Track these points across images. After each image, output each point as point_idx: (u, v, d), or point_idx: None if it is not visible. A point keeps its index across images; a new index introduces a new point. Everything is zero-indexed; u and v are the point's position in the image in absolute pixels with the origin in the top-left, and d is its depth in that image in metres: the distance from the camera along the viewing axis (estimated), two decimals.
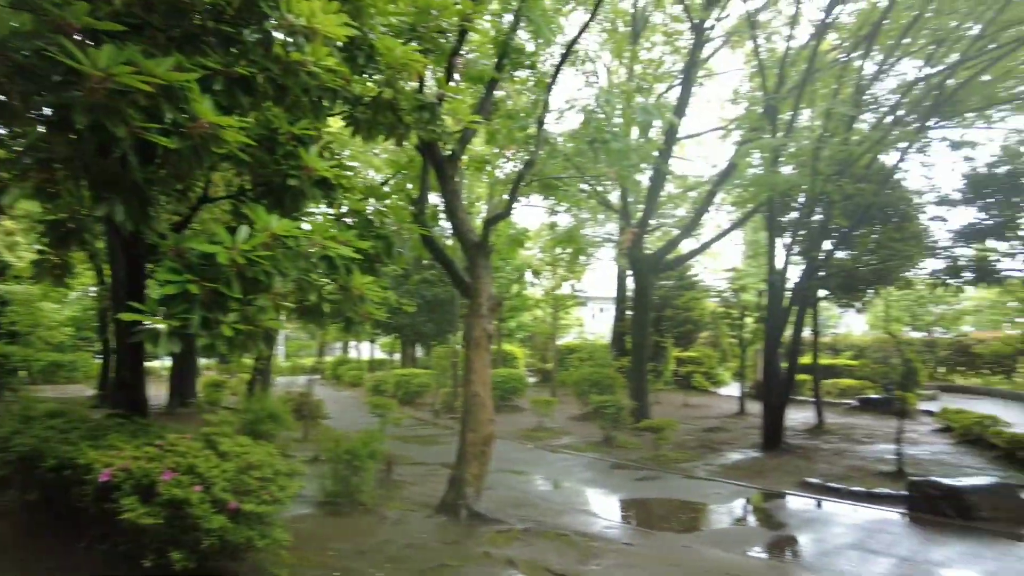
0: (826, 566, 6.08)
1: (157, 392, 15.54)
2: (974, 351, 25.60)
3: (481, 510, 6.92)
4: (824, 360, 22.09)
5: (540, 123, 6.87)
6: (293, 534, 4.91)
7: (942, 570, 6.02)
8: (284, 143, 4.95)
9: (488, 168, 8.83)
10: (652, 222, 18.27)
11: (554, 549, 5.96)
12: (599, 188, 15.79)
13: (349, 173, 6.30)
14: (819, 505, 8.65)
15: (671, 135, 14.46)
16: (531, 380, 26.37)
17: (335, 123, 6.81)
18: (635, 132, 7.33)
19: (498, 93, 8.07)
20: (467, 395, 7.14)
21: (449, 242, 16.36)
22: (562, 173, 7.21)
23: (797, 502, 8.85)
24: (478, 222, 7.78)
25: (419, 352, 30.46)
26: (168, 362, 17.89)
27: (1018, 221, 8.92)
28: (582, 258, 26.43)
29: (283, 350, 36.89)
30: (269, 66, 4.39)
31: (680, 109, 14.49)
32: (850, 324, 32.63)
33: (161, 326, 3.55)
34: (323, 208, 5.94)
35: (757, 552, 6.63)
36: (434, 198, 11.01)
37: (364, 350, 36.62)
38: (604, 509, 8.59)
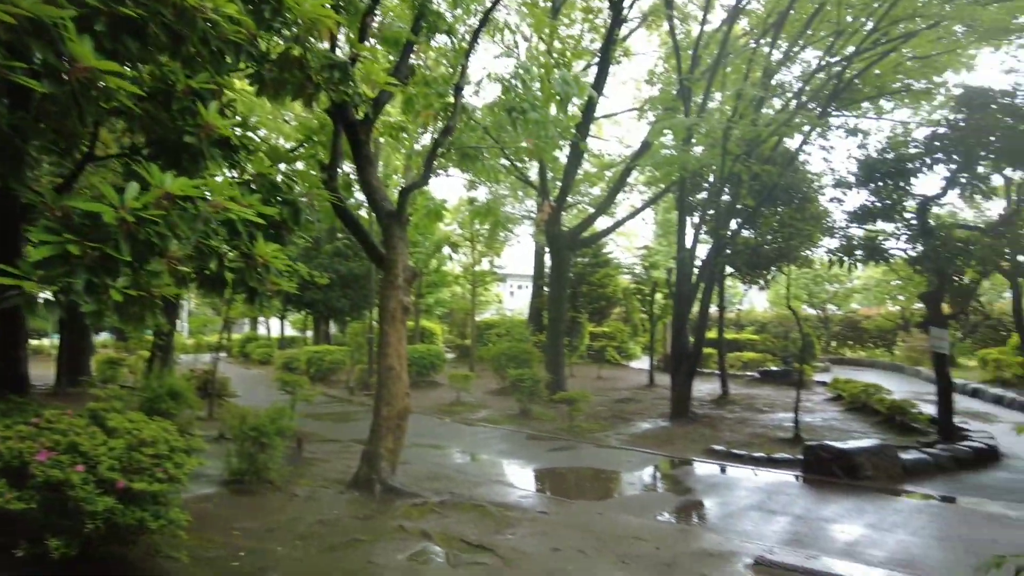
0: (730, 527, 6.38)
1: (45, 372, 14.36)
2: (862, 326, 27.64)
3: (396, 484, 6.81)
4: (728, 335, 23.20)
5: (458, 90, 6.70)
6: (195, 514, 4.64)
7: (832, 525, 6.44)
8: (181, 98, 4.56)
9: (404, 136, 8.57)
10: (569, 199, 18.48)
11: (470, 520, 5.94)
12: (518, 164, 15.76)
13: (253, 136, 5.94)
14: (723, 470, 9.08)
15: (589, 111, 14.57)
16: (449, 356, 26.30)
17: (240, 84, 6.38)
18: (554, 109, 7.31)
19: (415, 61, 7.83)
20: (382, 369, 6.96)
21: (364, 214, 15.93)
22: (481, 144, 7.07)
23: (703, 468, 9.26)
24: (395, 195, 7.53)
25: (333, 329, 29.69)
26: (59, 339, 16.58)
27: (904, 204, 9.58)
28: (501, 234, 26.46)
29: (186, 327, 35.02)
30: (161, 10, 4.00)
31: (598, 86, 14.60)
32: (752, 300, 34.41)
33: (41, 291, 3.19)
34: (226, 173, 5.57)
35: (666, 517, 6.88)
36: (348, 169, 10.68)
37: (274, 327, 35.31)
38: (520, 479, 8.68)
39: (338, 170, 7.53)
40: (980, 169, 9.28)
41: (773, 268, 14.28)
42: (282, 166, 5.85)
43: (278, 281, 4.82)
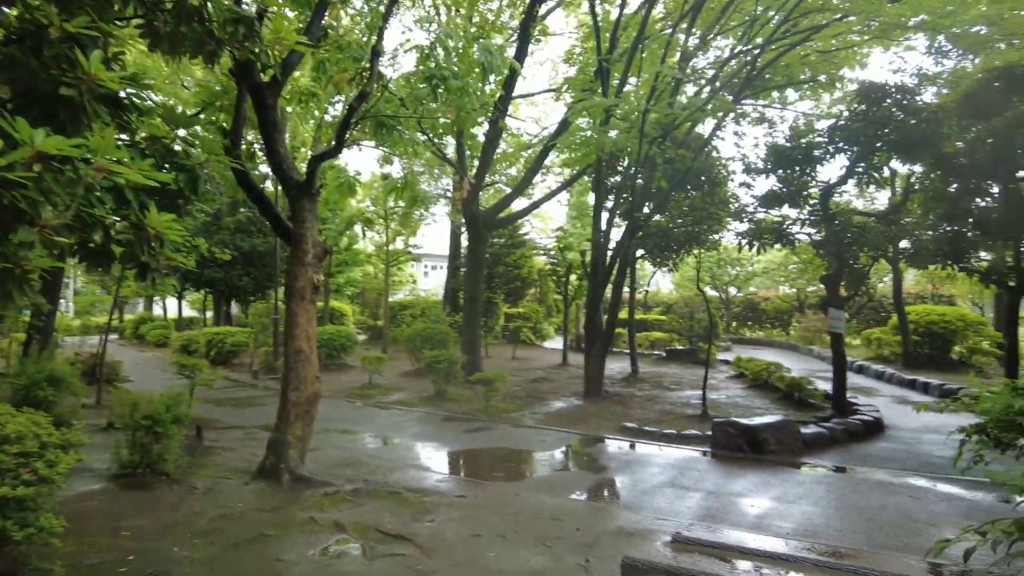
0: (646, 504, 6.47)
1: None
2: (760, 308, 29.17)
3: (305, 473, 6.45)
4: (637, 315, 23.88)
5: (376, 54, 6.30)
6: (77, 515, 4.17)
7: (742, 499, 6.66)
8: (55, 43, 3.97)
9: (315, 104, 8.04)
10: (487, 179, 18.26)
11: (386, 508, 5.70)
12: (435, 139, 15.35)
13: (148, 97, 5.33)
14: (636, 447, 9.26)
15: (510, 86, 14.33)
16: (361, 338, 25.63)
17: (132, 38, 5.71)
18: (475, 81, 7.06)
19: (329, 22, 7.32)
20: (289, 351, 6.54)
21: (271, 186, 15.06)
22: (398, 114, 6.71)
23: (617, 445, 9.40)
24: (303, 167, 7.03)
25: (235, 310, 28.24)
26: None
27: (809, 191, 10.04)
28: (416, 213, 25.92)
29: (72, 306, 32.32)
30: None
31: (518, 61, 14.40)
32: (659, 282, 35.59)
33: None
34: (115, 136, 4.96)
35: (584, 496, 6.90)
36: (252, 138, 9.97)
37: (171, 307, 33.20)
38: (437, 463, 8.49)
39: (242, 137, 6.97)
40: (876, 160, 9.82)
41: (683, 251, 14.70)
42: (181, 132, 5.30)
43: (173, 256, 4.34)
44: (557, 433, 10.11)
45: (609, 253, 13.18)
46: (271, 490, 6.17)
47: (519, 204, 18.29)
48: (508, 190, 18.03)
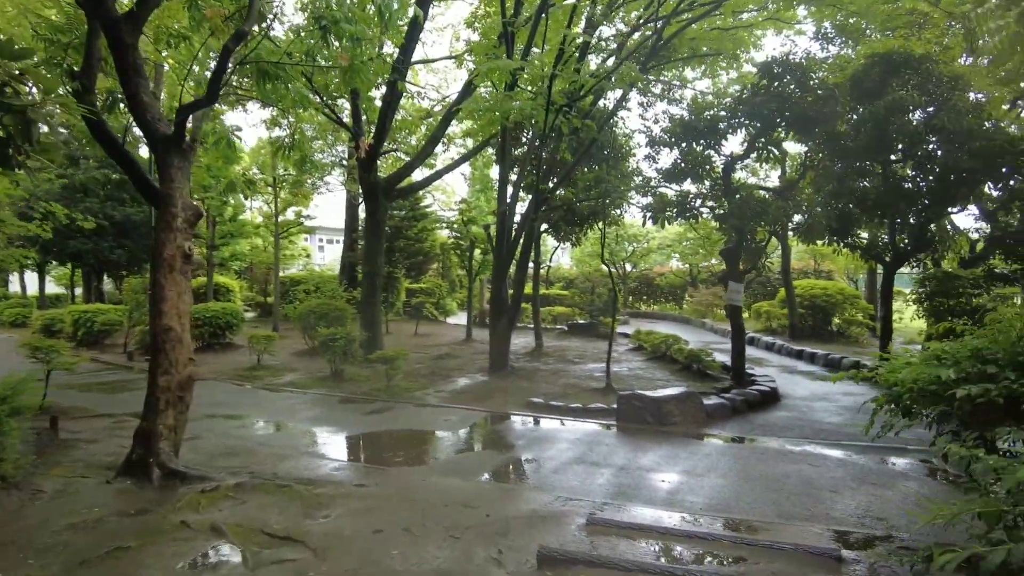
0: (557, 483, 6.21)
1: None
2: (655, 283, 30.05)
3: (180, 467, 5.68)
4: (540, 291, 23.89)
5: None
6: None
7: (652, 474, 6.55)
8: None
9: (187, 48, 7.02)
10: (386, 146, 17.36)
11: (274, 504, 5.08)
12: (328, 101, 14.31)
13: None
14: (543, 423, 9.04)
15: (411, 40, 13.48)
16: (250, 315, 24.13)
17: None
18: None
19: None
20: (157, 330, 5.70)
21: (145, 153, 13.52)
22: (284, 62, 5.91)
23: (524, 422, 9.15)
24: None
25: (109, 285, 25.75)
26: None
27: (712, 164, 10.10)
28: (309, 181, 24.50)
29: None
30: None
31: (417, 25, 13.60)
32: (559, 258, 35.91)
33: None
34: None
35: (493, 478, 6.55)
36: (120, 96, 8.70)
37: (31, 283, 29.92)
38: (334, 449, 7.87)
39: (95, 80, 5.95)
40: (774, 136, 10.00)
41: (587, 225, 14.62)
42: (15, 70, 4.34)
43: (14, 222, 3.51)
44: (463, 411, 9.72)
45: (515, 227, 12.85)
46: (137, 489, 5.38)
47: (421, 175, 17.59)
48: (408, 159, 17.22)
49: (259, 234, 26.44)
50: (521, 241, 12.53)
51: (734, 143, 31.93)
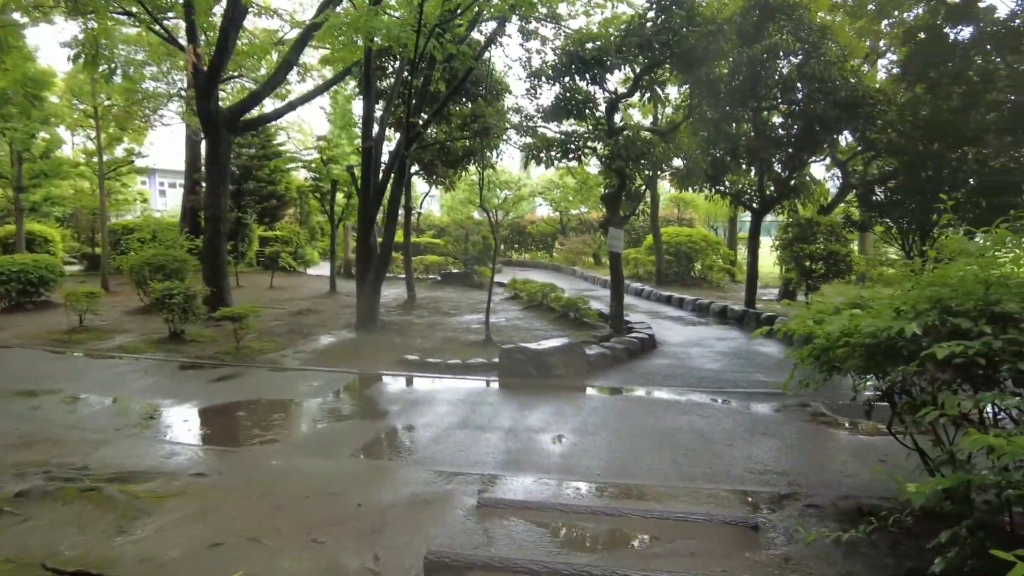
0: (439, 455, 5.44)
1: None
2: (527, 231, 29.81)
3: None
4: (412, 239, 22.73)
5: None
6: None
7: (541, 436, 5.97)
8: None
9: None
10: (230, 73, 15.17)
11: (74, 518, 3.87)
12: (156, 15, 12.05)
13: None
14: (419, 383, 8.21)
15: None
16: (75, 268, 20.97)
17: None
18: None
19: None
20: None
21: None
22: None
23: (398, 383, 8.27)
24: None
25: None
26: None
27: (596, 102, 9.50)
28: (143, 115, 21.38)
29: None
30: None
31: None
32: (429, 205, 34.67)
33: None
34: None
35: (364, 454, 5.65)
36: None
37: None
38: (166, 428, 6.53)
39: None
40: (660, 74, 9.54)
41: (461, 167, 13.67)
42: None
43: None
44: (327, 374, 8.64)
45: (382, 166, 11.62)
46: None
47: (273, 108, 15.59)
48: (256, 86, 15.15)
49: (82, 174, 22.75)
50: (390, 182, 11.35)
51: (620, 88, 31.91)
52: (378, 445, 5.85)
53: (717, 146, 11.62)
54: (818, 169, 14.93)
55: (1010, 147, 10.52)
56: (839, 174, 14.31)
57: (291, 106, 14.48)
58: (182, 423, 6.67)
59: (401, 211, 15.33)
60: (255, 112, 14.59)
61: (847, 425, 6.44)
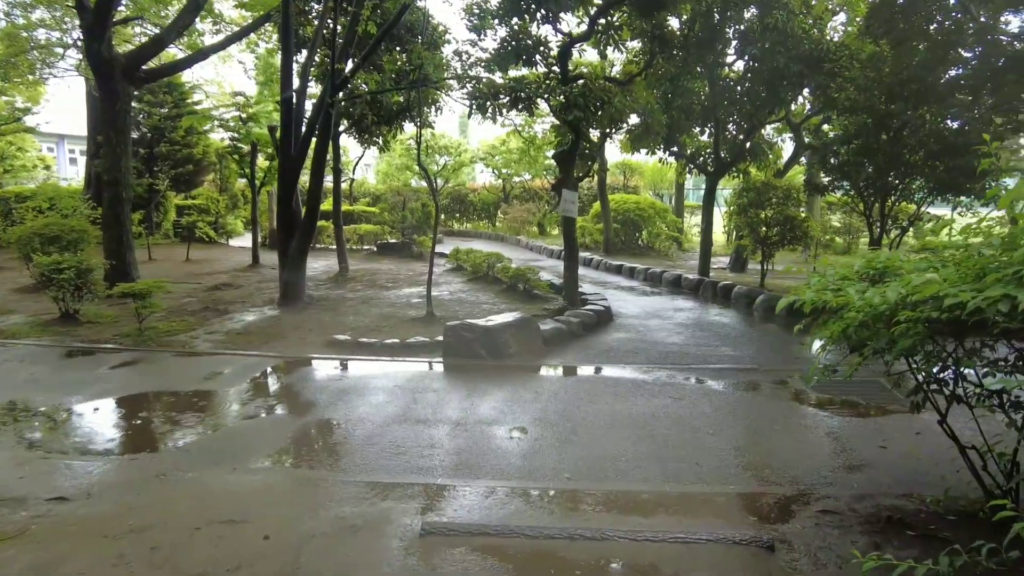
0: (372, 461, 4.44)
1: None
2: (468, 199, 28.63)
3: None
4: (344, 207, 21.25)
5: None
6: None
7: (496, 429, 5.06)
8: None
9: None
10: (127, 12, 13.33)
11: None
12: None
13: None
14: (352, 368, 7.15)
15: None
16: None
17: None
18: None
19: None
20: None
21: None
22: None
23: (326, 368, 7.17)
24: None
25: None
26: None
27: (548, 45, 8.47)
28: (31, 68, 18.99)
29: None
30: None
31: None
32: (365, 172, 32.96)
33: None
34: None
35: (280, 462, 4.59)
36: None
37: None
38: (33, 431, 5.27)
39: None
40: (615, 18, 8.59)
41: (395, 125, 12.44)
42: None
43: None
44: (243, 359, 7.46)
45: (305, 121, 10.27)
46: None
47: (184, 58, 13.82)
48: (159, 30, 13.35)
49: None
50: (314, 139, 10.04)
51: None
52: (297, 449, 4.79)
53: (674, 103, 10.82)
54: (769, 133, 14.38)
55: (971, 106, 10.12)
56: (793, 137, 13.82)
57: (202, 54, 12.82)
58: (54, 425, 5.41)
59: (331, 176, 13.97)
60: (160, 62, 12.86)
61: (834, 404, 5.79)
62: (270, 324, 9.21)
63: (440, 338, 7.59)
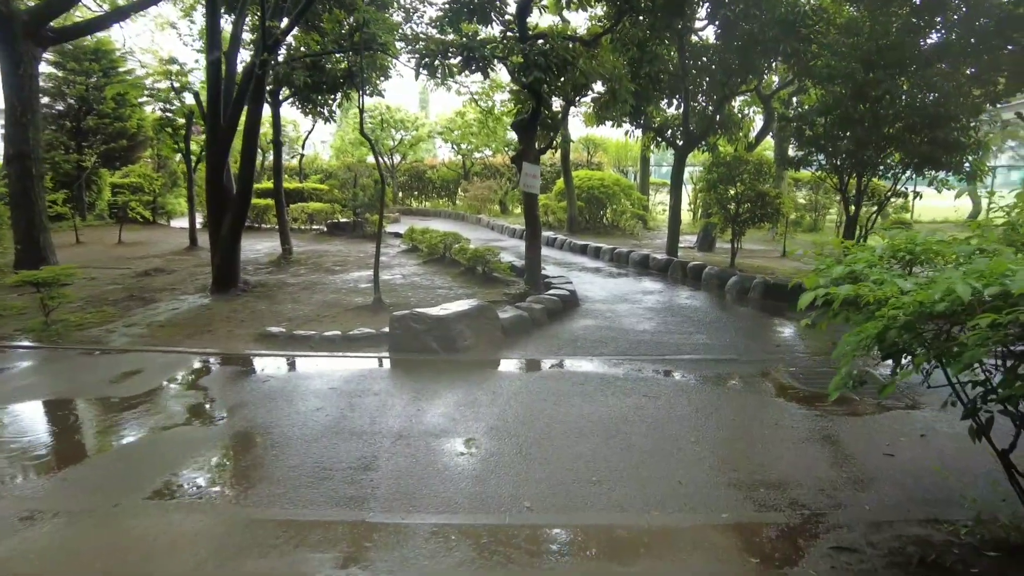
0: (290, 490, 3.63)
1: None
2: (427, 176, 27.56)
3: None
4: (292, 184, 20.04)
5: None
6: None
7: (446, 444, 4.30)
8: None
9: None
10: None
11: None
12: None
13: None
14: (286, 365, 6.28)
15: None
16: None
17: None
18: None
19: None
20: None
21: None
22: None
23: (253, 367, 6.29)
24: None
25: None
26: None
27: (506, 1, 7.59)
28: None
29: None
30: None
31: None
32: (317, 148, 31.53)
33: None
34: None
35: (171, 493, 3.74)
36: None
37: None
38: None
39: None
40: None
41: (340, 93, 11.40)
42: None
43: None
44: (160, 356, 6.51)
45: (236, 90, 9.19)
46: None
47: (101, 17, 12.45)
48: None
49: None
50: (246, 104, 8.99)
51: None
52: (198, 476, 3.93)
53: (642, 70, 10.05)
54: (737, 106, 13.74)
55: (950, 76, 9.61)
56: (763, 111, 13.23)
57: (120, 13, 11.52)
58: None
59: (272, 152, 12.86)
60: (70, 17, 11.52)
61: (823, 400, 5.17)
62: (198, 314, 8.23)
63: (386, 329, 6.77)
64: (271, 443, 4.32)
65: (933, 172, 9.84)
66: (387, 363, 6.30)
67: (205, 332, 7.41)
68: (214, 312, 8.31)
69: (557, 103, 9.23)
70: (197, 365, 6.30)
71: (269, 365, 6.30)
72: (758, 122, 14.27)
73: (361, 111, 8.39)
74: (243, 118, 9.14)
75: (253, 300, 8.92)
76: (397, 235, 15.18)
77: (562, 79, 7.40)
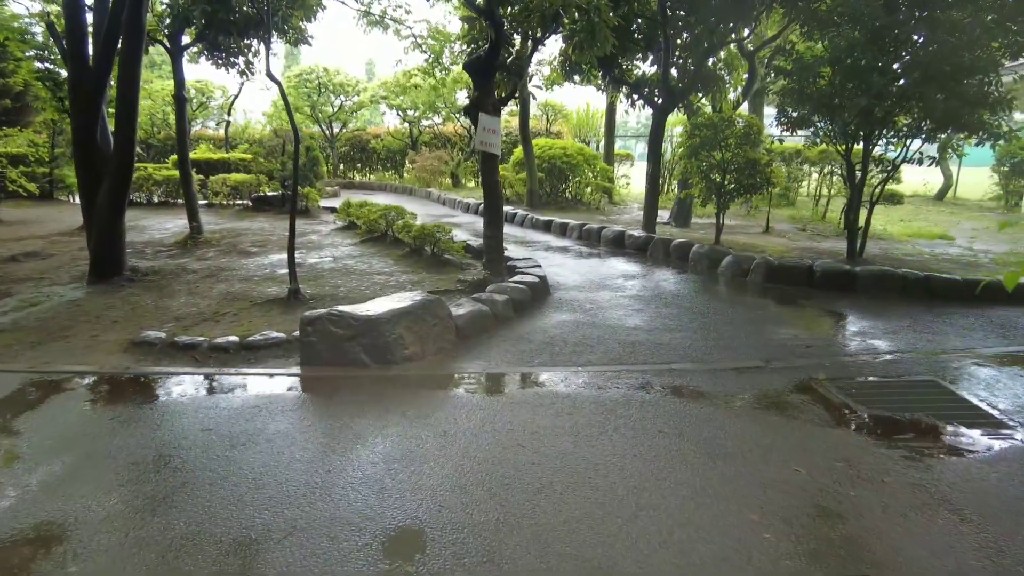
0: None
1: None
2: (371, 147, 25.42)
3: None
4: (214, 155, 17.79)
5: None
6: None
7: (366, 536, 2.65)
8: None
9: None
10: None
11: None
12: None
13: None
14: (144, 391, 4.48)
15: None
16: None
17: None
18: None
19: None
20: None
21: None
22: None
23: (110, 392, 4.47)
24: None
25: None
26: None
27: None
28: None
29: None
30: None
31: None
32: (250, 115, 28.92)
33: None
34: None
35: None
36: None
37: None
38: None
39: None
40: None
41: (253, 40, 9.41)
42: None
43: None
44: None
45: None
46: None
47: None
48: None
49: None
50: (117, 49, 6.97)
51: None
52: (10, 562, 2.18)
53: (619, 8, 8.39)
54: (720, 66, 12.23)
55: (967, 25, 8.27)
56: (747, 68, 11.77)
57: None
58: None
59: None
60: None
61: (900, 428, 3.72)
62: (60, 312, 6.29)
63: (296, 334, 5.03)
64: (91, 543, 2.57)
65: (950, 133, 8.57)
66: (296, 384, 4.57)
67: (59, 339, 5.51)
68: (82, 309, 6.38)
69: (520, 43, 7.52)
70: (33, 390, 4.44)
71: (134, 388, 4.49)
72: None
73: (267, 48, 6.49)
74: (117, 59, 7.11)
75: (139, 292, 7.00)
76: (333, 210, 13.25)
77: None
